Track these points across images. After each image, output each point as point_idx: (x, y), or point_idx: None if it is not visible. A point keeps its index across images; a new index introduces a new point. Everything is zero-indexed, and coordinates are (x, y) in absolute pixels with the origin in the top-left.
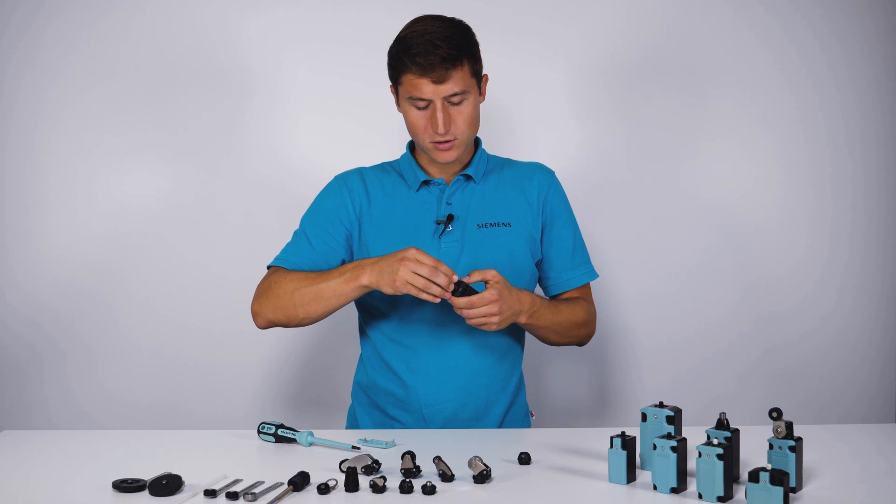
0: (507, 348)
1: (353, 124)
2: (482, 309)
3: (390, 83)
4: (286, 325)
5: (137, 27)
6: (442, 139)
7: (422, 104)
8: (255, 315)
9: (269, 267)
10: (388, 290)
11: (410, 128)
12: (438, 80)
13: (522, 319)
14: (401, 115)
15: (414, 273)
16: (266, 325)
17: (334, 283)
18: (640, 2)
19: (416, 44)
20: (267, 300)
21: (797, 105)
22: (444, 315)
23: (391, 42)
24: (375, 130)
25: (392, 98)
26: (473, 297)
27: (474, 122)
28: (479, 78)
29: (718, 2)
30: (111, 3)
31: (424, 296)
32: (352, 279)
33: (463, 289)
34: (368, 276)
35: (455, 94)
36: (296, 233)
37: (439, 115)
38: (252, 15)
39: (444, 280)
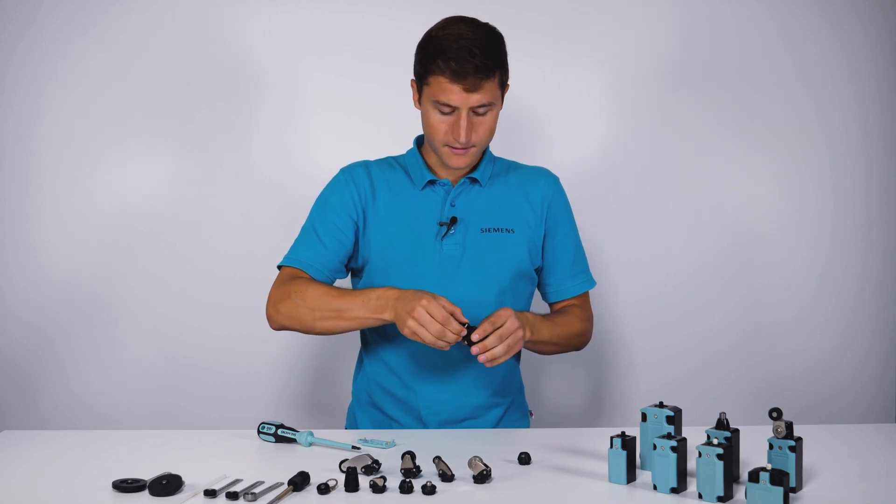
0: None
1: (358, 125)
2: (495, 350)
3: (413, 77)
4: (300, 332)
5: (139, 27)
6: (460, 146)
7: (447, 110)
8: (269, 318)
9: (279, 266)
10: (403, 333)
11: (429, 129)
12: (470, 90)
13: (528, 335)
14: (417, 111)
15: (422, 327)
16: (279, 328)
17: (356, 309)
18: (641, 5)
19: (452, 48)
20: (284, 307)
21: (796, 105)
22: None
23: (415, 40)
24: (380, 132)
25: (410, 94)
26: (487, 342)
27: (492, 131)
28: (503, 88)
29: (723, 10)
30: (112, 3)
31: (439, 345)
32: (375, 310)
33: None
34: (390, 313)
35: (482, 106)
36: (304, 228)
37: (463, 124)
38: (254, 15)
39: (453, 338)
